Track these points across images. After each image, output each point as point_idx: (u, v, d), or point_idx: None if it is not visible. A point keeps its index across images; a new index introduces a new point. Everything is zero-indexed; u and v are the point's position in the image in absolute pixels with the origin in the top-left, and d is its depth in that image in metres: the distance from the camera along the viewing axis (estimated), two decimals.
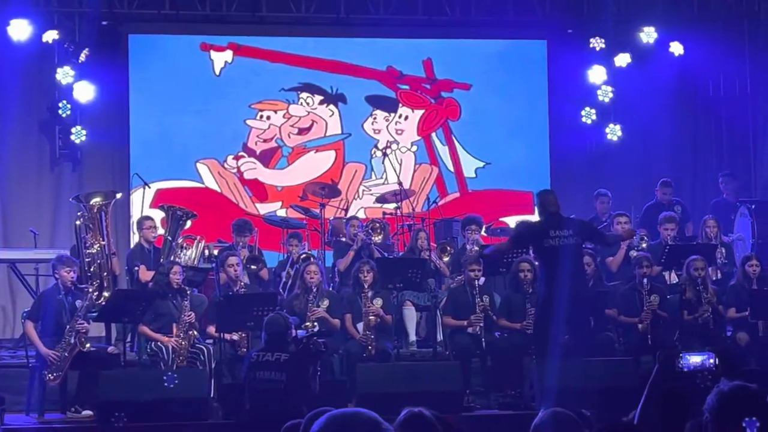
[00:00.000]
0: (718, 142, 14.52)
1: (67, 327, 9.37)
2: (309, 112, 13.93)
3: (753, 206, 12.52)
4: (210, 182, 13.63)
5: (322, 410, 4.49)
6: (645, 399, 4.53)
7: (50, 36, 12.82)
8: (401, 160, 13.92)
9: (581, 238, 9.74)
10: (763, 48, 14.14)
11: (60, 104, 12.90)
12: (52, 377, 9.26)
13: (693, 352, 4.83)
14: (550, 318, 9.29)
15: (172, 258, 10.59)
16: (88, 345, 9.43)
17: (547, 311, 9.39)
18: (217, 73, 13.77)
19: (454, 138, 14.20)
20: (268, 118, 13.83)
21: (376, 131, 14.05)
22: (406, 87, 14.15)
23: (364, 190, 13.84)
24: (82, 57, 12.85)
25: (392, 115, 14.11)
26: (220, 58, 13.78)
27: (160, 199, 12.85)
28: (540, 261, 9.82)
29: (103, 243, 10.47)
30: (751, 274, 10.44)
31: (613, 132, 14.03)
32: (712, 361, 4.73)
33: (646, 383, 4.62)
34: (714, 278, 10.90)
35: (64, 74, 12.81)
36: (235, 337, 9.85)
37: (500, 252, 10.44)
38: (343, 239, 11.79)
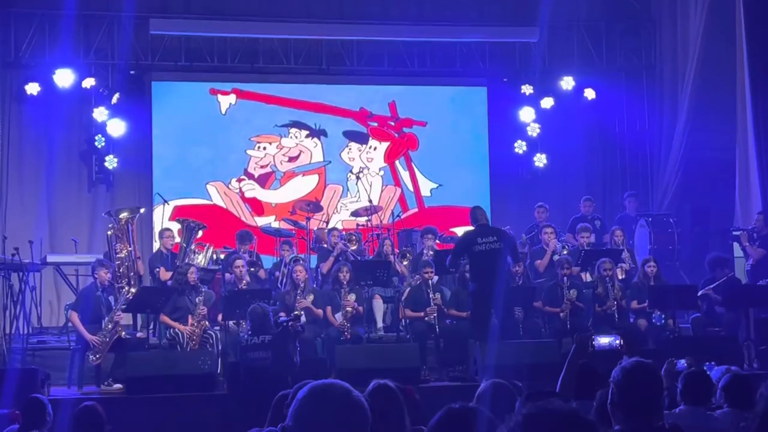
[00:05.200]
0: (622, 168, 14.62)
1: (106, 318, 9.32)
2: (297, 144, 13.93)
3: (650, 219, 12.62)
4: (217, 200, 13.60)
5: (307, 382, 4.51)
6: (565, 372, 4.56)
7: (88, 82, 12.78)
8: (371, 182, 13.94)
9: (505, 244, 9.74)
10: (658, 94, 14.28)
11: (96, 138, 12.85)
12: (94, 358, 9.19)
13: (603, 334, 4.86)
14: (482, 308, 9.33)
15: (186, 261, 10.55)
16: (123, 332, 9.40)
17: (479, 303, 9.44)
18: (223, 112, 13.75)
19: (413, 165, 14.23)
20: (265, 148, 13.82)
21: (351, 159, 14.07)
22: (375, 124, 14.18)
23: (341, 207, 13.84)
24: (114, 99, 12.82)
25: (364, 146, 14.12)
26: (226, 101, 13.75)
27: (177, 214, 12.81)
28: (471, 263, 9.81)
29: (130, 249, 10.41)
30: (649, 273, 10.51)
31: (540, 160, 14.11)
32: (617, 342, 4.75)
33: (566, 360, 4.65)
34: (620, 277, 10.98)
35: (100, 113, 12.76)
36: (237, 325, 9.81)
37: (451, 262, 10.25)
38: (325, 246, 11.78)
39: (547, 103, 13.95)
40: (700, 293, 10.43)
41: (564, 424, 1.65)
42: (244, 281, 10.23)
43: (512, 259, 10.11)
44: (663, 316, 9.84)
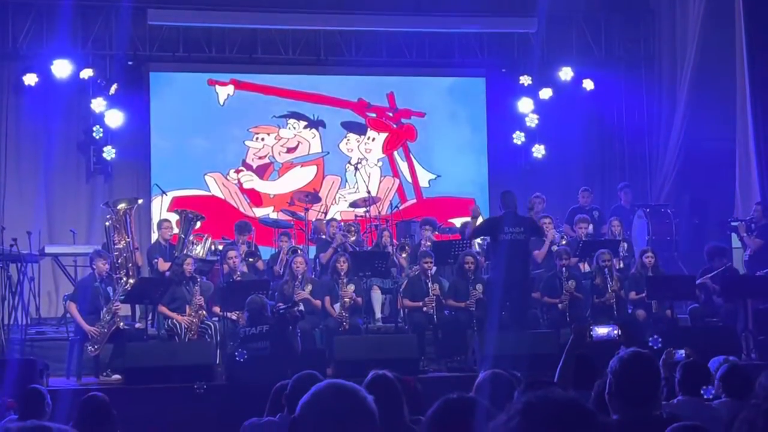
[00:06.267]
0: (621, 159, 14.62)
1: (105, 308, 9.32)
2: (295, 135, 13.92)
3: (648, 210, 12.61)
4: (216, 191, 13.59)
5: (306, 372, 4.52)
6: (563, 362, 4.55)
7: (86, 73, 12.75)
8: (369, 173, 13.93)
9: (530, 233, 9.79)
10: (657, 84, 14.26)
11: (94, 128, 12.83)
12: (93, 349, 9.19)
13: (601, 325, 4.85)
14: (497, 297, 9.34)
15: (185, 252, 10.54)
16: (122, 323, 9.40)
17: (495, 292, 9.44)
18: (221, 103, 13.73)
19: (411, 155, 14.23)
20: (263, 139, 13.80)
21: (350, 150, 14.06)
22: (373, 115, 14.16)
23: (339, 197, 13.84)
24: (112, 90, 12.79)
25: (362, 137, 14.11)
26: (224, 91, 13.73)
27: (175, 205, 12.80)
28: (493, 249, 9.83)
29: (128, 240, 10.39)
30: (647, 263, 10.51)
31: (539, 151, 14.09)
32: (615, 332, 4.75)
33: (564, 350, 4.65)
34: (618, 267, 10.99)
35: (98, 104, 12.74)
36: (234, 316, 9.79)
37: (471, 236, 10.59)
38: (323, 237, 11.78)
39: (545, 93, 13.93)
40: (698, 281, 10.44)
41: (564, 412, 1.64)
42: (238, 272, 10.22)
43: (540, 237, 10.50)
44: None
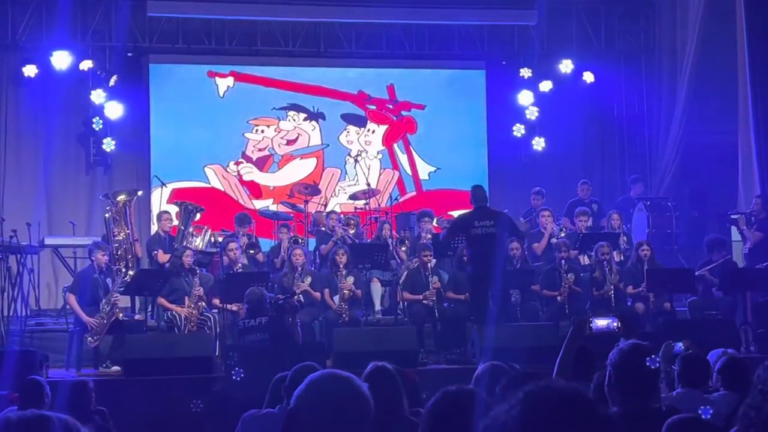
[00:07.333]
0: (620, 151, 14.60)
1: (104, 300, 9.32)
2: (295, 127, 13.89)
3: (648, 203, 12.61)
4: (215, 183, 13.57)
5: (305, 364, 4.51)
6: (562, 354, 4.55)
7: (86, 65, 12.72)
8: (369, 165, 13.91)
9: (502, 228, 9.74)
10: (657, 77, 14.24)
11: (93, 120, 12.80)
12: (92, 340, 9.19)
13: (600, 317, 4.84)
14: (479, 291, 9.34)
15: (184, 244, 10.54)
16: (121, 315, 9.40)
17: (476, 286, 9.43)
18: (221, 95, 13.70)
19: (411, 148, 14.20)
20: (263, 131, 13.78)
21: (349, 142, 14.03)
22: (373, 107, 14.13)
23: (339, 190, 13.82)
24: (112, 82, 12.77)
25: (362, 129, 14.09)
26: (224, 83, 13.71)
27: (175, 197, 12.78)
28: (468, 246, 9.80)
29: (127, 231, 10.39)
30: (643, 257, 10.50)
31: (538, 143, 14.07)
32: (615, 324, 4.74)
33: (563, 343, 4.64)
34: (617, 260, 10.98)
35: (97, 96, 12.71)
36: (234, 308, 9.80)
37: (446, 240, 10.45)
38: (323, 229, 11.77)
39: (545, 86, 13.90)
40: (697, 273, 10.44)
41: (565, 402, 1.64)
42: (239, 264, 10.22)
43: (517, 238, 10.14)
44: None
